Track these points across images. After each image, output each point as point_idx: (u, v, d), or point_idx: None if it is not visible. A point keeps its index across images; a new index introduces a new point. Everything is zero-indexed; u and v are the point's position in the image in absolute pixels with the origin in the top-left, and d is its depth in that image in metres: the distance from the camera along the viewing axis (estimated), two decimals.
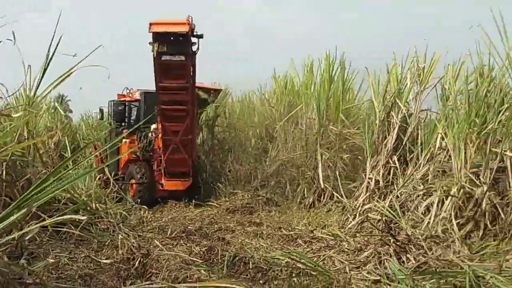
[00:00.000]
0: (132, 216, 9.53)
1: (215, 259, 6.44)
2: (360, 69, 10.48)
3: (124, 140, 12.66)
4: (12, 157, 6.50)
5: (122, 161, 13.07)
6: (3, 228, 2.45)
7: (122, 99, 13.81)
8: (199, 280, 5.23)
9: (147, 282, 5.17)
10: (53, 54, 5.70)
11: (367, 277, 5.63)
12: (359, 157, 10.56)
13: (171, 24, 9.42)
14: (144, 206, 10.68)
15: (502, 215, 6.55)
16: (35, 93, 6.78)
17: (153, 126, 12.19)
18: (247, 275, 5.98)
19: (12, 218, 2.40)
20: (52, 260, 5.61)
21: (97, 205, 8.25)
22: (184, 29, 9.22)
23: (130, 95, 13.72)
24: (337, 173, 10.36)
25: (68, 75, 5.37)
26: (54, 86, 5.60)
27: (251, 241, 7.70)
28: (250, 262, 6.22)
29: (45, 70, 5.89)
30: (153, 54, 9.45)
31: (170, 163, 11.52)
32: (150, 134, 12.32)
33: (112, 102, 14.06)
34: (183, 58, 9.67)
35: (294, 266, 5.94)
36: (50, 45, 5.92)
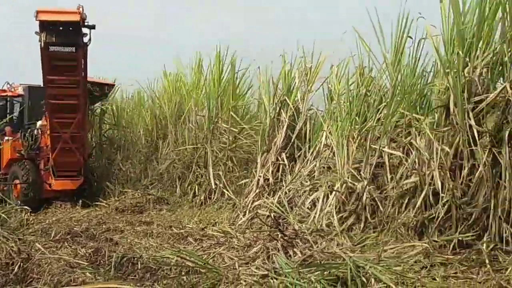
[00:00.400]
0: (12, 219, 8.96)
1: (102, 261, 6.24)
2: (253, 66, 10.67)
3: (6, 138, 11.89)
4: None
5: (4, 160, 12.12)
6: None
7: (3, 94, 12.83)
8: (84, 283, 5.05)
9: None
10: None
11: (255, 272, 5.69)
12: (251, 155, 10.74)
13: (61, 12, 8.92)
14: (26, 208, 10.06)
15: (381, 208, 6.95)
16: None
17: (39, 122, 11.44)
18: (135, 276, 5.85)
19: None
20: None
21: None
22: (75, 18, 8.71)
23: (13, 89, 12.81)
24: (226, 170, 10.47)
25: None
26: None
27: (141, 241, 7.56)
28: (139, 262, 6.09)
29: None
30: (40, 45, 8.86)
31: (59, 161, 10.87)
32: (36, 131, 11.52)
33: None
34: (73, 49, 9.13)
35: (183, 264, 5.90)
36: None
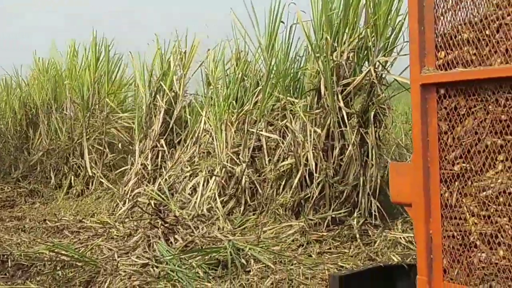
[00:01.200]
0: None
1: None
2: (125, 52, 10.40)
3: None
4: None
5: None
6: None
7: None
8: None
9: None
10: None
11: (136, 261, 5.61)
12: (129, 143, 10.48)
13: None
14: None
15: (260, 191, 7.11)
16: None
17: None
18: (5, 274, 5.52)
19: None
20: None
21: None
22: None
23: None
24: (103, 159, 10.15)
25: None
26: None
27: (12, 237, 7.10)
28: (9, 260, 5.75)
29: None
30: None
31: None
32: None
33: None
34: None
35: (58, 259, 5.66)
36: None
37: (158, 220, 6.75)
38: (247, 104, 7.87)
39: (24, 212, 9.13)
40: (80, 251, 6.00)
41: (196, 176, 7.90)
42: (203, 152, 8.35)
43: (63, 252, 5.79)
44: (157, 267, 5.33)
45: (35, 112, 12.49)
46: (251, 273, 4.97)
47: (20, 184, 10.84)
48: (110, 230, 7.11)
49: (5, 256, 5.85)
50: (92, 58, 10.57)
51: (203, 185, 7.55)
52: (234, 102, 7.95)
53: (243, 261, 5.10)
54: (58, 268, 5.44)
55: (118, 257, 5.80)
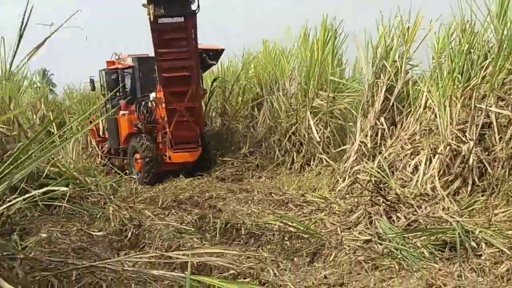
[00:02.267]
0: (123, 188, 9.49)
1: (207, 227, 6.47)
2: (349, 32, 10.44)
3: (122, 112, 11.85)
4: None
5: (123, 134, 12.11)
6: None
7: (113, 66, 12.55)
8: (192, 248, 5.25)
9: (141, 252, 5.19)
10: (26, 23, 5.47)
11: (358, 237, 5.69)
12: (347, 121, 10.61)
13: None
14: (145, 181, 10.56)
15: (490, 171, 6.61)
16: (11, 65, 6.54)
17: (153, 94, 11.15)
18: (239, 241, 6.04)
19: None
20: (44, 235, 5.60)
21: (86, 178, 8.20)
22: None
23: (122, 61, 12.51)
24: (325, 136, 10.40)
25: (43, 42, 5.19)
26: (30, 55, 5.40)
27: (243, 207, 7.74)
28: (242, 228, 6.27)
29: (20, 39, 5.67)
30: (149, 18, 8.72)
31: (176, 134, 10.70)
32: (150, 104, 11.26)
33: (104, 71, 12.67)
34: (182, 19, 9.02)
35: (286, 230, 6.00)
36: (24, 14, 5.60)
37: (379, 198, 6.71)
38: (474, 78, 7.33)
39: (252, 185, 9.86)
40: (305, 224, 6.26)
41: (417, 154, 7.65)
42: (425, 130, 8.04)
43: (289, 223, 6.11)
44: (380, 244, 5.32)
45: (260, 91, 13.29)
46: (482, 257, 4.68)
47: (247, 159, 11.71)
48: (332, 205, 7.30)
49: (239, 224, 6.39)
50: (321, 39, 10.78)
51: (425, 163, 7.29)
52: (459, 76, 7.46)
53: (473, 244, 4.82)
54: (286, 238, 5.77)
55: (341, 231, 5.94)
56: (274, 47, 12.91)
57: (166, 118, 10.69)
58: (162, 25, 8.96)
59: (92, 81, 13.77)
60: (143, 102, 11.55)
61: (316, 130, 10.53)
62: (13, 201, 2.42)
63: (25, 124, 7.98)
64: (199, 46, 10.13)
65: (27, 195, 2.67)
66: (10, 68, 6.27)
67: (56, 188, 4.93)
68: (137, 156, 11.42)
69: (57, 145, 3.12)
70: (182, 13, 8.94)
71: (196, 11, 8.99)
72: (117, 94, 12.15)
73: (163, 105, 10.59)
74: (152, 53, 10.37)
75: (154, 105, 11.19)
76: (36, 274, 3.90)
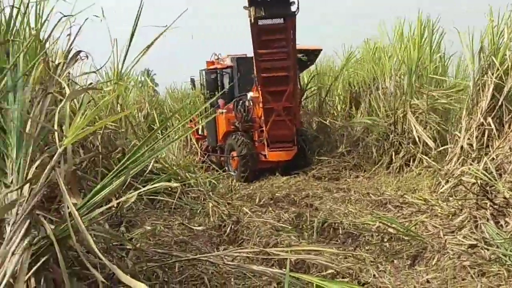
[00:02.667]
0: (221, 185, 9.73)
1: (304, 225, 6.48)
2: (447, 26, 10.04)
3: (220, 111, 12.21)
4: (106, 130, 6.80)
5: (220, 132, 12.46)
6: (103, 196, 2.56)
7: (212, 66, 13.05)
8: (290, 245, 5.28)
9: (240, 248, 5.29)
10: (136, 24, 5.73)
11: (462, 241, 5.44)
12: (449, 120, 10.20)
13: None
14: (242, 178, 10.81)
15: None
16: (122, 66, 6.91)
17: (250, 94, 11.46)
18: (337, 241, 5.99)
19: (111, 186, 2.50)
20: (149, 228, 5.87)
21: (187, 174, 8.49)
22: None
23: (221, 61, 12.97)
24: (425, 136, 10.04)
25: (152, 43, 5.43)
26: (140, 56, 5.69)
27: (339, 207, 7.64)
28: (340, 228, 6.21)
29: (130, 41, 5.97)
30: (250, 20, 8.87)
31: (273, 133, 10.86)
32: (247, 103, 11.56)
33: (204, 71, 13.25)
34: (281, 21, 9.10)
35: (385, 231, 5.86)
36: (137, 16, 5.84)
37: (486, 201, 6.37)
38: None
39: (349, 185, 9.72)
40: (405, 226, 6.08)
41: None
42: None
43: (388, 224, 5.96)
44: (487, 249, 5.05)
45: (358, 90, 13.11)
46: None
47: (344, 158, 11.57)
48: (433, 208, 7.03)
49: (336, 224, 6.33)
50: (417, 35, 10.46)
51: None
52: None
53: None
54: (385, 240, 5.64)
55: (444, 235, 5.71)
56: (374, 45, 12.68)
57: (263, 117, 10.83)
58: (262, 26, 9.08)
59: (192, 81, 14.38)
60: (241, 101, 11.78)
61: (416, 129, 10.20)
62: (128, 195, 2.55)
63: (132, 121, 8.40)
64: (299, 47, 10.14)
65: (141, 190, 2.81)
66: (121, 69, 6.61)
67: (169, 184, 5.11)
68: (234, 153, 11.64)
69: (166, 144, 3.25)
70: (282, 15, 9.02)
71: (296, 13, 9.01)
72: (216, 93, 12.31)
73: (260, 104, 10.74)
74: (250, 54, 10.56)
75: (251, 104, 11.41)
76: (142, 264, 4.09)
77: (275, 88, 10.15)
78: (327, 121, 13.19)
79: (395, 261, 5.10)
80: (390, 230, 5.81)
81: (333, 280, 4.04)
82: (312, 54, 11.95)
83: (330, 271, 4.44)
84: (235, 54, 12.60)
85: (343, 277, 4.42)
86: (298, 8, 8.87)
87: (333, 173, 10.85)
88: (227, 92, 12.46)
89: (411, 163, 10.08)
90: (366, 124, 11.74)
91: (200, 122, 13.63)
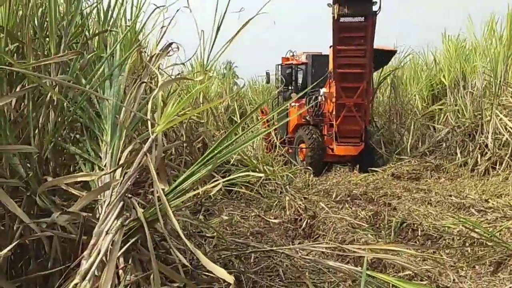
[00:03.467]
0: (298, 179, 9.76)
1: (381, 224, 6.38)
2: None
3: (293, 104, 12.62)
4: (189, 120, 7.00)
5: (291, 125, 13.02)
6: (190, 183, 2.65)
7: (288, 62, 13.63)
8: (367, 244, 5.22)
9: (315, 243, 5.29)
10: (225, 14, 5.82)
11: None
12: None
13: None
14: (309, 169, 10.88)
15: None
16: (208, 58, 7.07)
17: (323, 90, 11.72)
18: (415, 242, 5.85)
19: (198, 174, 2.59)
20: (226, 217, 6.00)
21: (265, 167, 8.58)
22: None
23: (297, 58, 13.58)
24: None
25: (237, 34, 5.51)
26: (224, 48, 5.79)
27: (419, 207, 7.43)
28: (419, 229, 6.06)
29: (217, 33, 6.08)
30: (333, 17, 9.18)
31: (342, 128, 11.17)
32: (319, 98, 11.95)
33: (280, 66, 13.81)
34: (363, 19, 9.41)
35: (467, 235, 5.66)
36: (216, 6, 5.93)
37: None
38: None
39: (429, 186, 9.44)
40: (489, 231, 5.84)
41: None
42: None
43: (471, 229, 5.75)
44: None
45: (441, 89, 12.73)
46: None
47: (426, 159, 11.27)
48: None
49: (415, 225, 6.18)
50: (507, 32, 9.99)
51: None
52: None
53: None
54: (467, 244, 5.44)
55: None
56: (460, 43, 12.23)
57: (334, 112, 11.10)
58: (344, 23, 9.40)
59: (268, 75, 15.05)
60: (313, 96, 12.19)
61: (504, 130, 9.75)
62: (214, 184, 2.62)
63: (213, 112, 8.58)
64: (375, 47, 10.25)
65: (224, 179, 2.88)
66: (207, 61, 6.76)
67: (254, 174, 5.21)
68: (302, 145, 12.07)
69: (249, 139, 3.31)
70: (364, 13, 9.25)
71: (377, 12, 9.15)
72: (289, 87, 13.06)
73: (333, 99, 11.06)
74: (324, 52, 11.17)
75: (324, 99, 11.78)
76: (220, 252, 4.19)
77: (349, 84, 10.39)
78: (409, 119, 12.93)
79: (477, 267, 4.92)
80: (473, 234, 5.59)
81: (411, 282, 3.96)
82: (388, 55, 12.20)
83: (407, 272, 4.36)
84: (310, 52, 13.14)
85: (421, 280, 4.32)
86: (380, 7, 9.02)
87: (413, 173, 10.57)
88: (300, 86, 13.08)
89: (497, 167, 9.64)
90: (450, 123, 11.37)
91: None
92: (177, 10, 3.84)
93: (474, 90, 11.23)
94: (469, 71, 11.47)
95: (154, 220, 2.40)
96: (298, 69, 13.34)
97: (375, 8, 9.16)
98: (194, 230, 4.70)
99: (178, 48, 3.32)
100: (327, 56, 11.74)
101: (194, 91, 5.32)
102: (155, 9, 3.78)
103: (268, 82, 15.48)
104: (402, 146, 12.60)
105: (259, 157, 8.89)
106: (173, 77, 5.28)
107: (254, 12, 4.55)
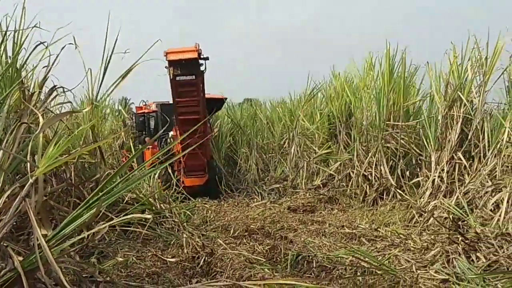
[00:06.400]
0: (196, 216, 9.67)
1: (278, 258, 6.44)
2: (419, 62, 10.34)
3: (147, 147, 13.84)
4: (80, 160, 6.74)
5: (147, 166, 13.42)
6: (74, 228, 2.53)
7: (141, 111, 15.45)
8: (263, 279, 5.24)
9: (213, 280, 5.23)
10: (112, 53, 5.81)
11: (434, 276, 5.47)
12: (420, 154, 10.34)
13: (183, 52, 10.98)
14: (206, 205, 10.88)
15: None
16: (97, 94, 6.94)
17: (171, 133, 13.52)
18: (311, 274, 5.95)
19: (82, 218, 2.48)
20: (121, 259, 5.80)
21: (161, 205, 8.43)
22: (193, 55, 10.87)
23: (148, 107, 15.46)
24: (397, 170, 10.18)
25: (128, 72, 5.48)
26: (115, 85, 5.72)
27: (314, 239, 7.63)
28: (314, 261, 6.18)
29: (105, 70, 6.02)
30: (169, 77, 11.08)
31: (188, 163, 12.95)
32: (169, 140, 13.63)
33: (134, 115, 15.76)
34: (193, 77, 11.30)
35: (358, 264, 5.86)
36: (104, 46, 5.97)
37: (458, 236, 6.45)
38: None
39: (324, 217, 9.74)
40: (378, 259, 6.10)
41: (498, 192, 7.33)
42: (507, 166, 7.71)
43: (362, 258, 5.97)
44: (458, 284, 5.10)
45: (333, 124, 13.26)
46: None
47: (320, 191, 11.64)
48: (406, 242, 7.08)
49: (310, 257, 6.31)
50: (386, 69, 10.69)
51: (507, 201, 6.95)
52: None
53: None
54: (358, 273, 5.63)
55: (417, 269, 5.74)
56: (342, 79, 12.94)
57: (180, 151, 12.32)
58: (179, 81, 11.30)
59: (124, 122, 16.99)
60: (163, 139, 13.99)
61: (387, 163, 10.35)
62: (99, 227, 2.52)
63: (107, 150, 8.33)
64: (207, 96, 12.38)
65: (114, 221, 2.78)
66: (96, 98, 6.61)
67: (142, 216, 5.07)
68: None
69: (141, 176, 3.24)
70: (193, 73, 11.28)
71: (204, 71, 11.30)
72: (144, 133, 14.99)
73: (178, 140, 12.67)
74: (171, 101, 12.41)
75: (172, 140, 13.44)
76: None
77: (189, 127, 11.61)
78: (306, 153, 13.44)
79: None
80: (364, 264, 5.81)
81: None
82: (220, 102, 14.82)
83: None
84: (159, 102, 15.10)
85: None
86: (205, 68, 11.25)
87: (308, 205, 10.87)
88: (152, 131, 14.94)
89: (384, 196, 10.15)
90: (342, 158, 11.86)
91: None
92: (62, 48, 3.72)
93: (362, 125, 11.76)
94: (355, 106, 12.06)
95: (34, 269, 2.26)
96: (150, 117, 15.21)
97: (202, 68, 11.23)
98: (85, 275, 4.48)
99: (64, 91, 3.21)
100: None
101: (81, 128, 5.15)
102: (38, 45, 3.64)
103: (125, 126, 16.66)
104: (297, 181, 12.96)
105: (155, 194, 8.68)
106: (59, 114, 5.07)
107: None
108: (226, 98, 15.35)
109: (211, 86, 13.11)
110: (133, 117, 15.69)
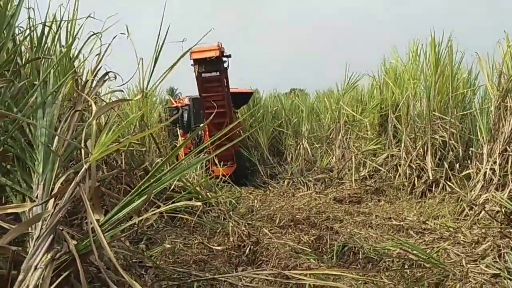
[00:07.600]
0: (241, 205, 9.73)
1: (324, 248, 6.41)
2: (470, 49, 10.05)
3: (180, 138, 13.99)
4: (130, 148, 6.88)
5: (179, 156, 14.00)
6: (125, 213, 2.58)
7: (174, 105, 16.40)
8: (309, 269, 5.22)
9: (259, 269, 5.26)
10: (163, 43, 5.89)
11: (485, 270, 5.33)
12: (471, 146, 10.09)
13: (206, 51, 11.97)
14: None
15: None
16: (148, 84, 7.07)
17: (202, 125, 13.98)
18: (357, 265, 5.91)
19: (134, 204, 2.53)
20: (168, 246, 5.89)
21: (208, 193, 8.52)
22: (216, 54, 11.96)
23: (181, 101, 16.56)
24: (447, 161, 9.95)
25: (178, 61, 5.54)
26: (165, 75, 5.81)
27: (360, 231, 7.55)
28: (360, 252, 6.13)
29: (156, 60, 6.11)
30: (195, 74, 12.29)
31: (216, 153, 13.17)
32: (200, 132, 14.54)
33: (168, 108, 16.71)
34: (218, 74, 12.51)
35: (406, 257, 5.77)
36: (158, 34, 6.06)
37: (510, 230, 6.27)
38: None
39: (370, 209, 9.63)
40: (427, 252, 5.99)
41: None
42: None
43: (410, 251, 5.88)
44: (510, 279, 4.95)
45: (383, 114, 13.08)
46: None
47: (366, 182, 11.50)
48: (456, 235, 6.92)
49: (357, 248, 6.26)
50: (432, 58, 10.43)
51: None
52: None
53: None
54: (406, 266, 5.55)
55: (466, 263, 5.60)
56: (392, 68, 12.69)
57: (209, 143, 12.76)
58: (204, 78, 12.57)
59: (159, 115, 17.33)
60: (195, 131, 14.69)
61: (434, 156, 10.13)
62: (150, 213, 2.57)
63: (156, 138, 8.47)
64: (235, 90, 13.76)
65: (162, 208, 2.82)
66: (146, 87, 6.72)
67: (191, 203, 5.15)
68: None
69: (191, 165, 3.28)
70: (217, 70, 12.49)
71: (227, 68, 12.46)
72: (177, 125, 15.66)
73: (207, 132, 13.97)
74: None
75: (202, 133, 14.64)
76: (161, 282, 4.10)
77: (216, 120, 12.58)
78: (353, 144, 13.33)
79: None
80: (411, 256, 5.72)
81: None
82: (246, 96, 16.04)
83: None
84: (191, 95, 15.83)
85: None
86: (228, 65, 12.42)
87: (354, 197, 10.76)
88: (185, 124, 15.81)
89: (433, 189, 9.95)
90: (390, 152, 11.69)
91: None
92: (114, 37, 3.79)
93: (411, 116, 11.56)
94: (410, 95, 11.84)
95: (88, 253, 2.33)
96: (183, 109, 15.85)
97: (225, 65, 12.37)
98: (134, 260, 4.59)
99: (115, 77, 3.27)
100: None
101: (131, 117, 5.25)
102: (91, 35, 3.72)
103: (160, 122, 17.00)
104: (343, 172, 12.85)
105: (202, 183, 8.78)
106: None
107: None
108: (252, 92, 16.54)
109: (259, 76, 13.75)
110: (167, 111, 16.67)
